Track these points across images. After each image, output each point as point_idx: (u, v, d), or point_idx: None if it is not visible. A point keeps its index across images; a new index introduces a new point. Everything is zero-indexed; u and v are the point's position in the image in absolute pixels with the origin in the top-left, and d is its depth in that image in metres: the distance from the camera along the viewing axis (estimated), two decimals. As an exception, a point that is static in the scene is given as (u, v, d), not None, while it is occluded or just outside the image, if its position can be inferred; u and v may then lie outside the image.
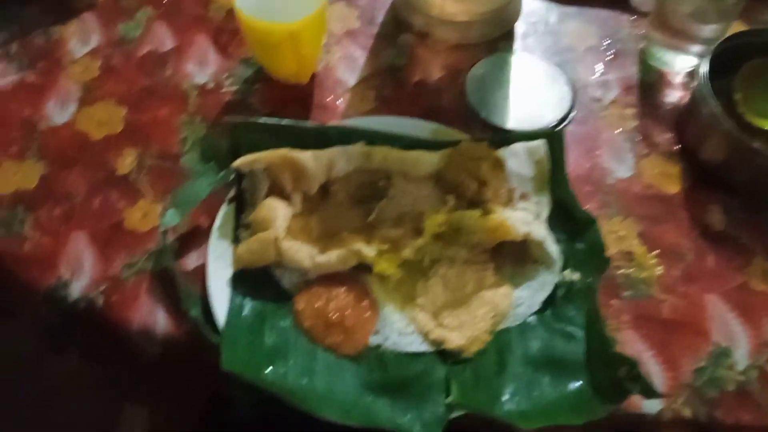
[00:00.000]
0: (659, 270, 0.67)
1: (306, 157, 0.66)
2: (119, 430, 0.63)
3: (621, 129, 0.77)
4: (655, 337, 0.64)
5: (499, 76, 0.79)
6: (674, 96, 0.79)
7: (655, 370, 0.62)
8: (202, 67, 0.80)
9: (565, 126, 0.76)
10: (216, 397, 0.70)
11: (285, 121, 0.68)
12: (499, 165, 0.66)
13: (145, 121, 0.75)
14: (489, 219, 0.63)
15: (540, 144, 0.67)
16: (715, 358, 0.63)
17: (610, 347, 0.58)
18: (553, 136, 0.68)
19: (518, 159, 0.67)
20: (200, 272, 0.65)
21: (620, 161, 0.74)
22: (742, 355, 0.63)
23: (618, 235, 0.69)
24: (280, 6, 0.74)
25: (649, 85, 0.80)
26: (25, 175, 0.71)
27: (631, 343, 0.63)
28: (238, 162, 0.66)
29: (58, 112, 0.75)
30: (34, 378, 0.66)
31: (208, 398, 0.69)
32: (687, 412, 0.60)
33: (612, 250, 0.68)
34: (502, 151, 0.67)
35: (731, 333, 0.64)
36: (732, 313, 0.65)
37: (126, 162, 0.72)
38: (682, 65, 0.80)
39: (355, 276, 0.64)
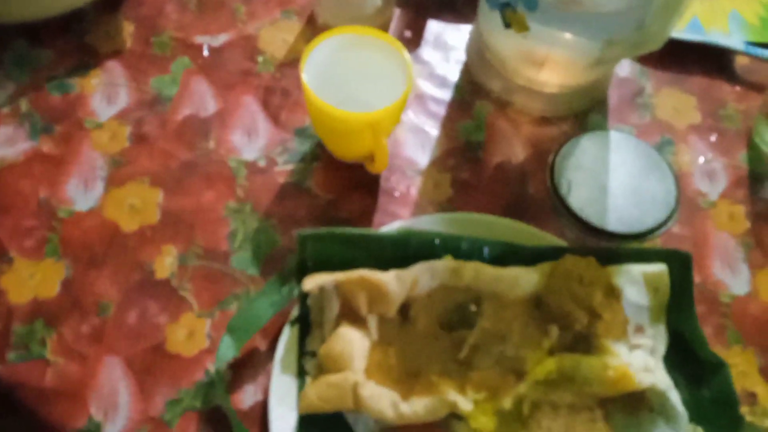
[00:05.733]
0: (785, 416, 0.58)
1: (388, 278, 0.56)
2: None
3: (731, 232, 0.67)
4: (785, 502, 0.55)
5: (592, 161, 0.68)
6: (790, 191, 0.70)
7: None
8: (251, 139, 0.68)
9: (668, 227, 0.66)
10: None
11: (360, 231, 0.58)
12: (614, 294, 0.56)
13: (186, 208, 0.64)
14: (608, 369, 0.53)
15: (663, 271, 0.57)
16: None
17: None
18: (680, 258, 0.57)
19: (636, 287, 0.57)
20: (258, 411, 0.55)
21: (734, 274, 0.65)
22: None
23: (738, 370, 0.60)
24: (352, 76, 0.63)
25: (760, 176, 0.70)
26: (44, 277, 0.59)
27: None
28: (309, 284, 0.55)
29: (82, 193, 0.64)
30: None
31: None
32: None
33: (731, 388, 0.58)
34: (617, 277, 0.57)
35: None
36: None
37: (165, 262, 0.61)
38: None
39: (440, 422, 0.55)
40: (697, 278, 0.64)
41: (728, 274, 0.64)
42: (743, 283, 0.64)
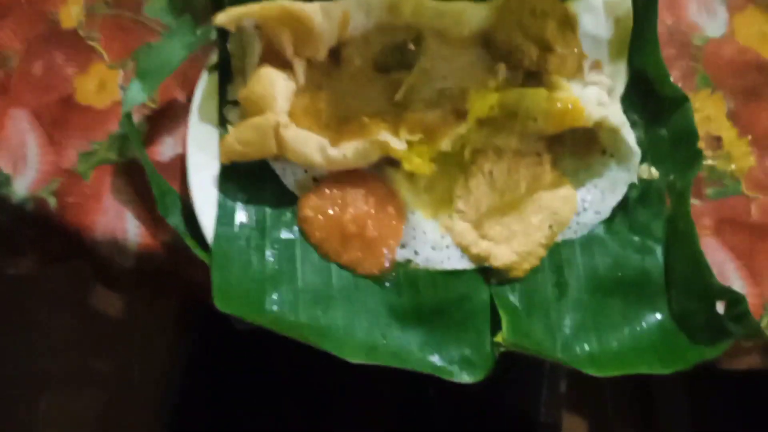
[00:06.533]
0: (751, 160, 0.54)
1: (313, 9, 0.49)
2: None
3: (713, -30, 0.59)
4: (741, 246, 0.53)
5: None
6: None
7: (737, 286, 0.52)
8: None
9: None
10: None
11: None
12: (569, 24, 0.50)
13: (90, -49, 0.56)
14: (555, 100, 0.48)
15: (625, -5, 0.50)
16: (808, 271, 0.52)
17: (706, 274, 0.46)
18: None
19: (594, 16, 0.50)
20: (178, 164, 0.51)
21: (711, 15, 0.58)
22: (841, 267, 0.52)
23: (704, 114, 0.55)
24: None
25: None
26: (-63, 28, 0.53)
27: (710, 253, 0.52)
28: (222, 17, 0.49)
29: (-29, -63, 0.56)
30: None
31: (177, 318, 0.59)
32: (772, 337, 0.51)
33: (696, 134, 0.54)
34: (574, 4, 0.50)
35: (829, 240, 0.53)
36: (831, 214, 0.54)
37: (71, 11, 0.54)
38: None
39: (376, 171, 0.51)
40: (669, 20, 0.57)
41: (704, 16, 0.58)
42: (719, 25, 0.57)
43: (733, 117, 0.55)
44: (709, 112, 0.55)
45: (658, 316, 0.47)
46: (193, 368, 0.73)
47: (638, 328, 0.47)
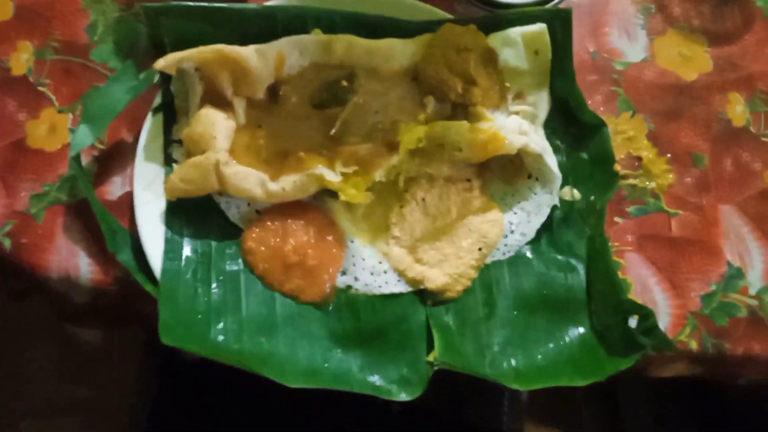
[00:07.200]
0: (670, 178, 0.58)
1: (248, 52, 0.52)
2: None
3: (633, -2, 0.63)
4: (662, 260, 0.56)
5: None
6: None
7: (660, 299, 0.55)
8: None
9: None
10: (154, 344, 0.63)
11: (217, 4, 0.53)
12: (490, 58, 0.53)
13: (40, 1, 0.59)
14: (478, 131, 0.51)
15: (541, 29, 0.53)
16: (726, 281, 0.56)
17: (619, 291, 0.50)
18: (558, 16, 0.53)
19: (514, 49, 0.54)
20: (127, 202, 0.54)
21: (632, 41, 0.61)
22: (755, 277, 0.56)
23: (625, 136, 0.59)
24: None
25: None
26: None
27: (634, 268, 0.56)
28: (161, 63, 0.51)
29: (-76, -11, 0.58)
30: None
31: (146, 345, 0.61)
32: (693, 345, 0.54)
33: (617, 154, 0.57)
34: (493, 39, 0.54)
35: (746, 251, 0.57)
36: (747, 226, 0.57)
37: (21, 57, 0.57)
38: None
39: (316, 202, 0.54)
40: (592, 47, 0.61)
41: (625, 42, 0.61)
42: (640, 49, 0.61)
43: (653, 137, 0.59)
44: (630, 134, 0.59)
45: (581, 330, 0.50)
46: (161, 396, 0.75)
47: (561, 343, 0.50)
